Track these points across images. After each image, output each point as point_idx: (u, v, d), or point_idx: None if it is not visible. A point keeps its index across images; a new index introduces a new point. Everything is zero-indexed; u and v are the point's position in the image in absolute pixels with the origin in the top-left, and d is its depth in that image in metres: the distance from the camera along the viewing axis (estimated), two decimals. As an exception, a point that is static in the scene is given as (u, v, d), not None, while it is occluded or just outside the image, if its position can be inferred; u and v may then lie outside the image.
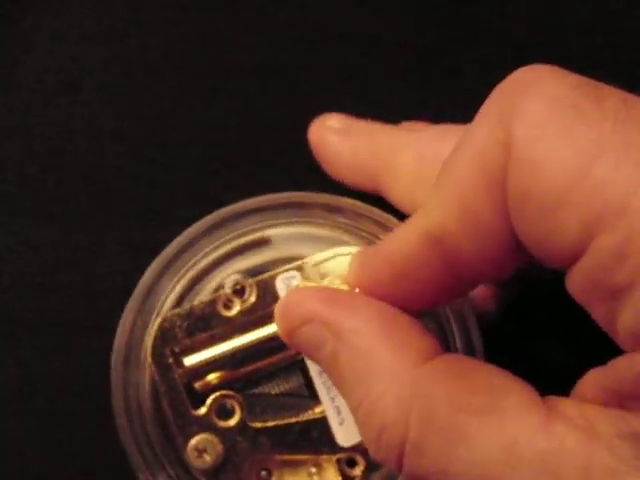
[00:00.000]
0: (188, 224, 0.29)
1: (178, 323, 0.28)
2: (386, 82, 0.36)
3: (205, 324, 0.28)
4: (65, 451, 0.33)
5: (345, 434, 0.27)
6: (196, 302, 0.28)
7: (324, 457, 0.27)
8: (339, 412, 0.27)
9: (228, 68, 0.36)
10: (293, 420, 0.27)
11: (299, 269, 0.27)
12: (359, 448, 0.27)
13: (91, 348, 0.33)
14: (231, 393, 0.27)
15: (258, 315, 0.28)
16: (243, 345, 0.27)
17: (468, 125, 0.22)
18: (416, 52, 0.36)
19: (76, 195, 0.35)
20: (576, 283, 0.20)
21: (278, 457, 0.27)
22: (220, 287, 0.28)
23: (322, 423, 0.27)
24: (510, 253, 0.22)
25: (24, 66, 0.36)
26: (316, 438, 0.27)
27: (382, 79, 0.36)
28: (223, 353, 0.27)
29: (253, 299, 0.28)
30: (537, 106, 0.20)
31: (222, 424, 0.27)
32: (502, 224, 0.21)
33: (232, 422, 0.27)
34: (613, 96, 0.20)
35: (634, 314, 0.19)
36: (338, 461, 0.27)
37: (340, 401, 0.27)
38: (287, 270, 0.28)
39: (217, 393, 0.27)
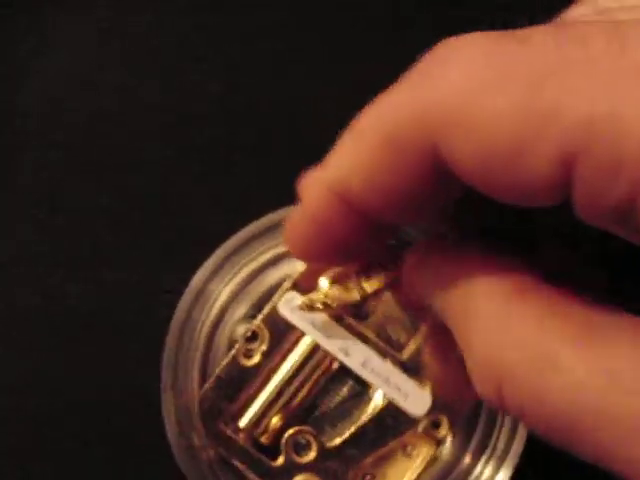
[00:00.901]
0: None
1: (214, 396, 0.28)
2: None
3: (239, 382, 0.28)
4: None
5: (415, 405, 0.27)
6: (218, 369, 0.28)
7: (409, 434, 0.27)
8: (399, 389, 0.27)
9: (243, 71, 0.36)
10: (364, 419, 0.27)
11: (294, 286, 0.28)
12: (436, 409, 0.27)
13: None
14: (297, 428, 0.27)
15: (281, 348, 0.28)
16: (283, 381, 0.27)
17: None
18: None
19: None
20: (584, 215, 0.19)
21: (371, 459, 0.27)
22: (233, 341, 0.28)
23: (391, 407, 0.27)
24: (423, 203, 0.21)
25: (37, 67, 0.36)
26: (393, 423, 0.27)
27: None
28: (269, 398, 0.27)
29: (268, 336, 0.28)
30: (458, 70, 0.19)
31: (306, 459, 0.27)
32: (410, 184, 0.20)
33: (313, 453, 0.27)
34: (539, 30, 0.18)
35: None
36: (425, 431, 0.27)
37: (394, 378, 0.27)
38: (284, 293, 0.28)
39: (285, 435, 0.27)
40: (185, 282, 0.29)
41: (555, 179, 0.18)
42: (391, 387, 0.27)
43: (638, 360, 0.18)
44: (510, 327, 0.20)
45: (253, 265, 0.30)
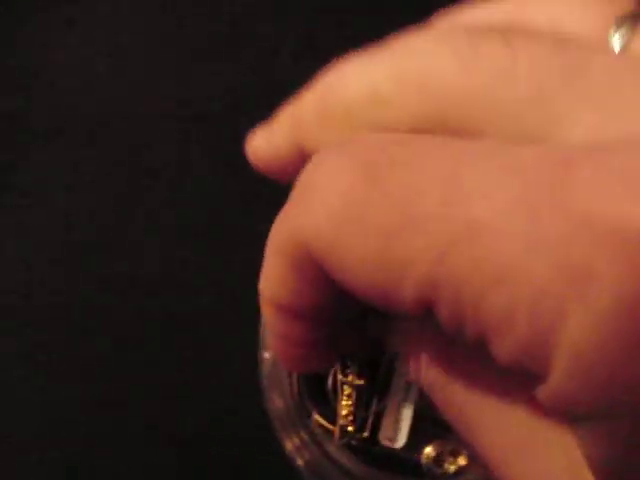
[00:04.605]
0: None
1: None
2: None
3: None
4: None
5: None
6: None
7: None
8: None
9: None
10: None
11: None
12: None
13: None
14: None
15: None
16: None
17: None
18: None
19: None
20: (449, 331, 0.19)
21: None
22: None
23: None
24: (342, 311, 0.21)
25: (43, 67, 0.37)
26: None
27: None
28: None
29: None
30: (322, 208, 0.19)
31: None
32: (322, 296, 0.20)
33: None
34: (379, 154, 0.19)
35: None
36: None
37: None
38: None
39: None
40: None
41: (419, 307, 0.18)
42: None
43: None
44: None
45: None
